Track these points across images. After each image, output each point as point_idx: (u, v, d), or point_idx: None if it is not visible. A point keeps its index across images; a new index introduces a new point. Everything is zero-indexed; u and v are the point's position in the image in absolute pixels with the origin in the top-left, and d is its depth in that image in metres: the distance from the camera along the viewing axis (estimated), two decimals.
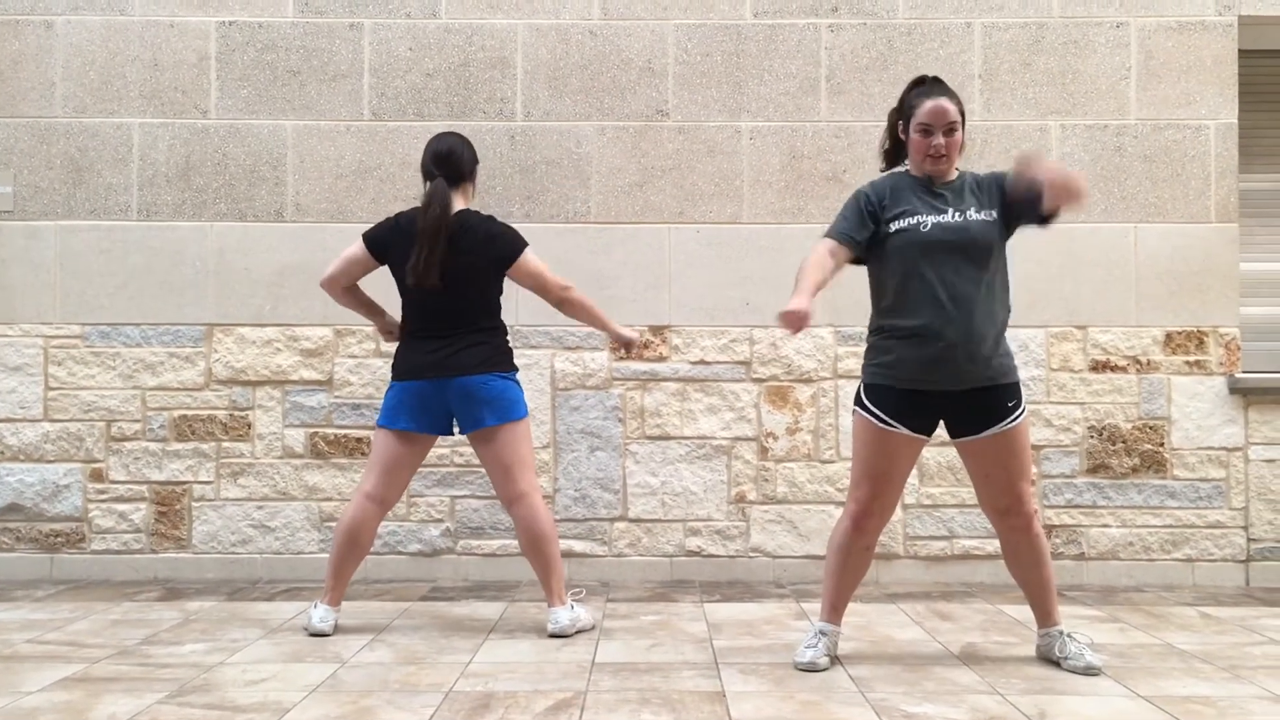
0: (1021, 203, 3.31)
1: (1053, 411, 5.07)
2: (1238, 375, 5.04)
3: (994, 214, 3.36)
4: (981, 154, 5.03)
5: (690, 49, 5.15)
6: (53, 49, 5.15)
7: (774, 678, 3.36)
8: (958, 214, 3.33)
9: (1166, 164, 5.10)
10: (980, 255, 3.32)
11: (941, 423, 3.44)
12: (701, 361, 5.11)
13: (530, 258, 3.95)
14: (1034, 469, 5.05)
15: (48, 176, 5.14)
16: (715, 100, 5.15)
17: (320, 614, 3.92)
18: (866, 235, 3.40)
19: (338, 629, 3.98)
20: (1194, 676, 3.40)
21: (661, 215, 5.14)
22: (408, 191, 5.06)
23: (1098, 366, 5.08)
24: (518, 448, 3.91)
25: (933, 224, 3.32)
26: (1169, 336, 5.07)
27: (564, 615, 3.91)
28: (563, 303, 3.98)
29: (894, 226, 3.36)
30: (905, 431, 3.37)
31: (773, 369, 5.10)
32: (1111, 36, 5.12)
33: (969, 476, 3.51)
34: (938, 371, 3.31)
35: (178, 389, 5.11)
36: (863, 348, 4.94)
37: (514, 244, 3.94)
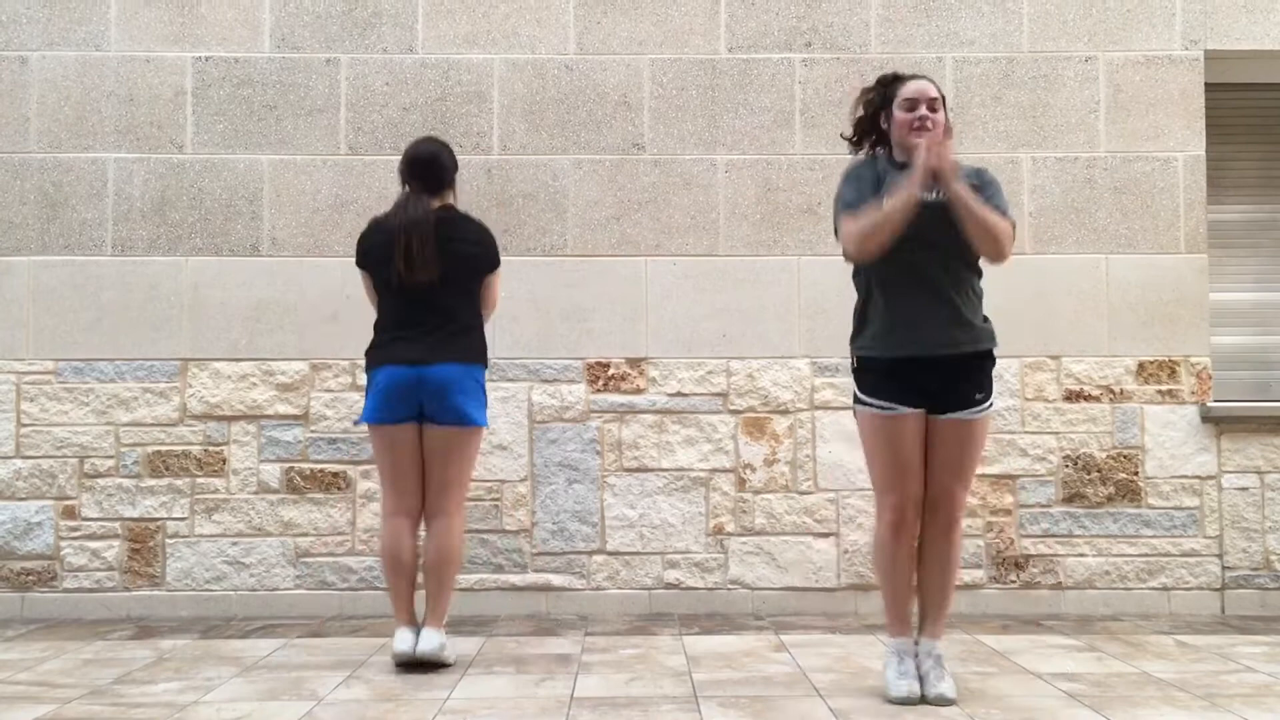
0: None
1: (1028, 441, 5.10)
2: (1210, 404, 5.08)
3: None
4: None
5: (666, 83, 5.19)
6: (27, 84, 5.14)
7: (754, 710, 3.35)
8: (938, 190, 3.37)
9: (1136, 196, 5.16)
10: (955, 235, 3.37)
11: None
12: (679, 393, 5.12)
13: (499, 274, 4.14)
14: (1010, 498, 5.07)
15: (21, 212, 5.11)
16: (691, 134, 5.19)
17: (398, 637, 3.87)
18: (874, 195, 3.43)
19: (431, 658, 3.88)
20: (1171, 705, 3.41)
21: (638, 248, 5.16)
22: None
23: (1071, 396, 5.11)
24: (464, 464, 3.99)
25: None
26: (1141, 366, 5.12)
27: (436, 638, 3.86)
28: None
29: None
30: (905, 410, 3.42)
31: (750, 400, 5.11)
32: (1080, 71, 5.20)
33: None
34: (921, 330, 3.38)
35: (151, 424, 5.07)
36: (838, 379, 5.00)
37: (497, 253, 4.11)
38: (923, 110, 3.41)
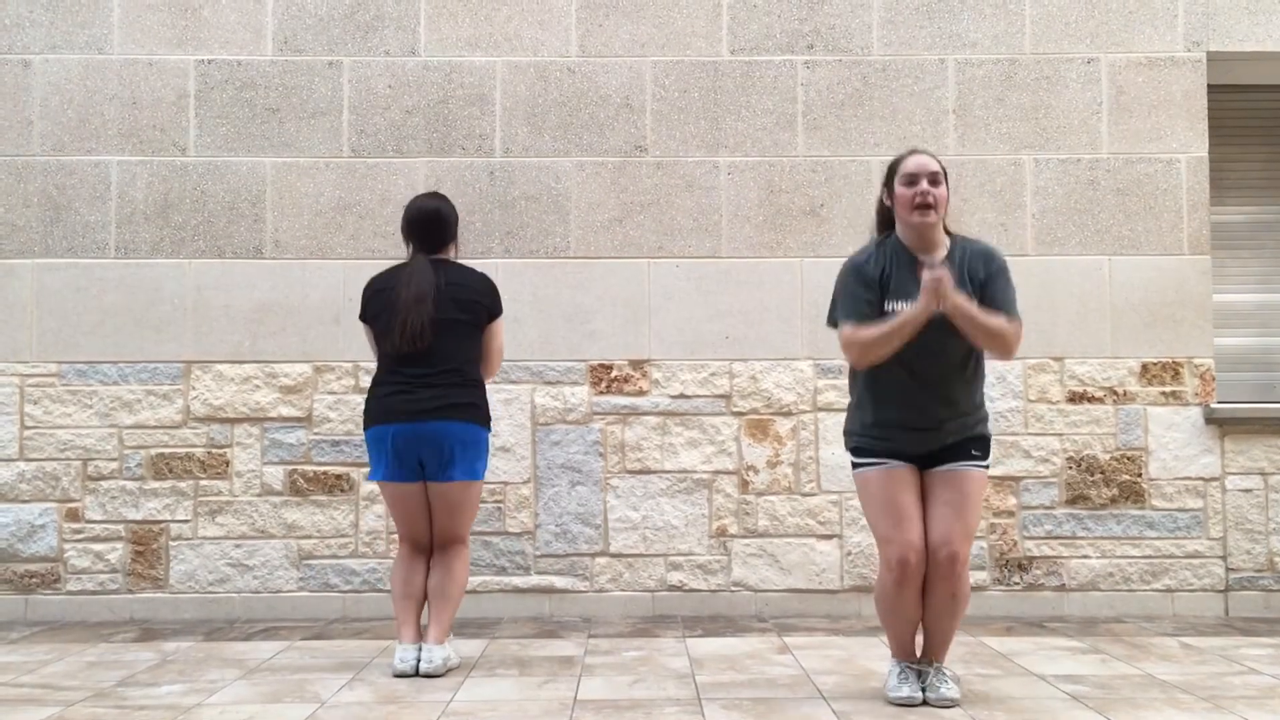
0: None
1: (1031, 443, 5.10)
2: (1213, 406, 5.08)
3: (966, 292, 3.36)
4: (956, 188, 5.08)
5: (668, 85, 5.19)
6: (30, 87, 5.15)
7: (757, 713, 3.34)
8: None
9: (1139, 197, 5.16)
10: (960, 345, 3.36)
11: None
12: (681, 395, 5.12)
13: (501, 321, 4.11)
14: (1013, 499, 5.07)
15: (24, 215, 5.12)
16: (693, 136, 5.19)
17: (400, 655, 3.87)
18: (876, 297, 3.41)
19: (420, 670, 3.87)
20: (1175, 707, 3.41)
21: (641, 250, 5.16)
22: (387, 228, 5.06)
23: (1075, 398, 5.11)
24: (471, 502, 4.01)
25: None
26: (1145, 367, 5.11)
27: (440, 654, 3.86)
28: (486, 376, 4.08)
29: (888, 308, 3.39)
30: (900, 464, 3.41)
31: (753, 402, 5.11)
32: (1083, 72, 5.20)
33: None
34: (917, 431, 3.40)
35: (155, 427, 5.08)
36: (841, 381, 5.00)
37: (499, 300, 4.08)
38: (924, 185, 3.36)
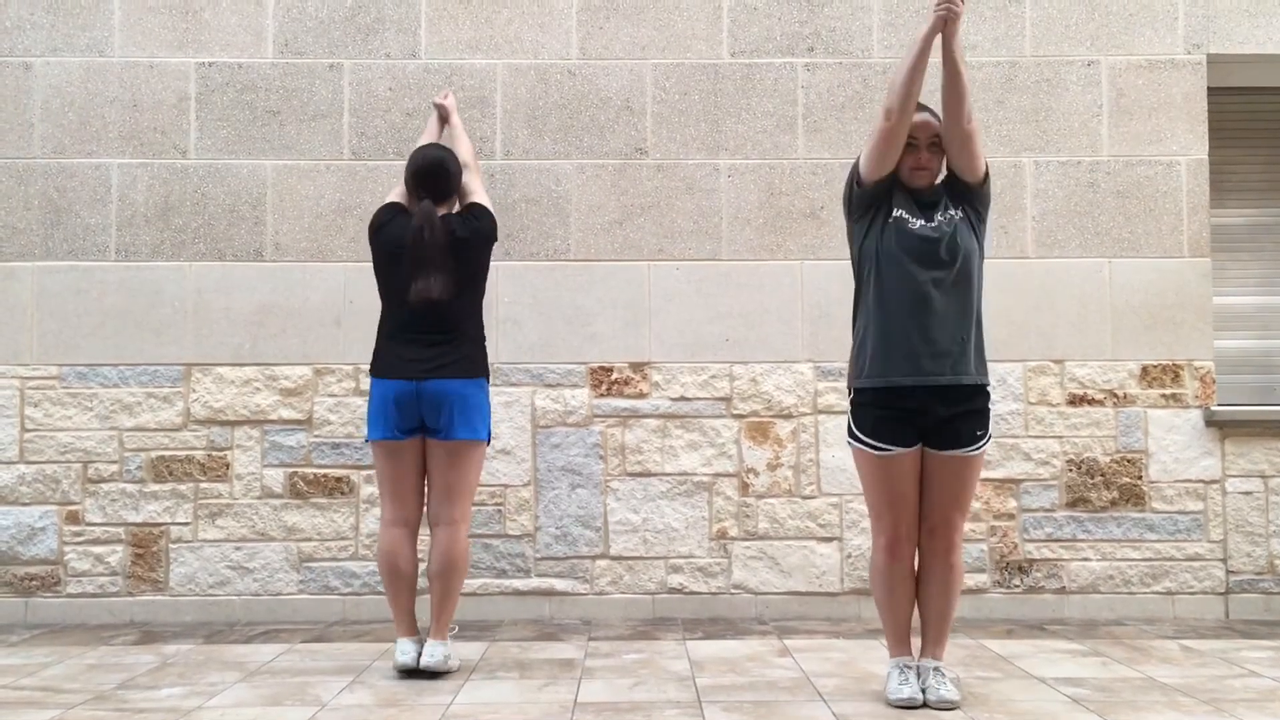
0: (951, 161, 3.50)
1: (1031, 445, 5.10)
2: (1213, 408, 5.08)
3: (960, 211, 3.48)
4: None
5: (668, 88, 5.20)
6: (31, 90, 5.16)
7: (757, 715, 3.34)
8: (942, 217, 3.45)
9: (1139, 199, 5.16)
10: (954, 255, 3.41)
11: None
12: (682, 398, 5.12)
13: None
14: (1013, 502, 5.07)
15: (25, 217, 5.12)
16: (694, 138, 5.19)
17: (400, 649, 3.86)
18: (888, 173, 3.48)
19: (419, 667, 3.87)
20: (1176, 710, 3.41)
21: (641, 252, 5.16)
22: None
23: (1075, 400, 5.11)
24: (469, 474, 3.97)
25: (920, 225, 3.43)
26: (1145, 370, 5.11)
27: (440, 650, 3.86)
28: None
29: (893, 215, 3.45)
30: (899, 450, 3.42)
31: (753, 405, 5.11)
32: (1083, 75, 5.20)
33: None
34: (919, 357, 3.39)
35: (155, 429, 5.08)
36: (841, 383, 5.00)
37: (493, 219, 4.09)
38: (923, 156, 3.48)
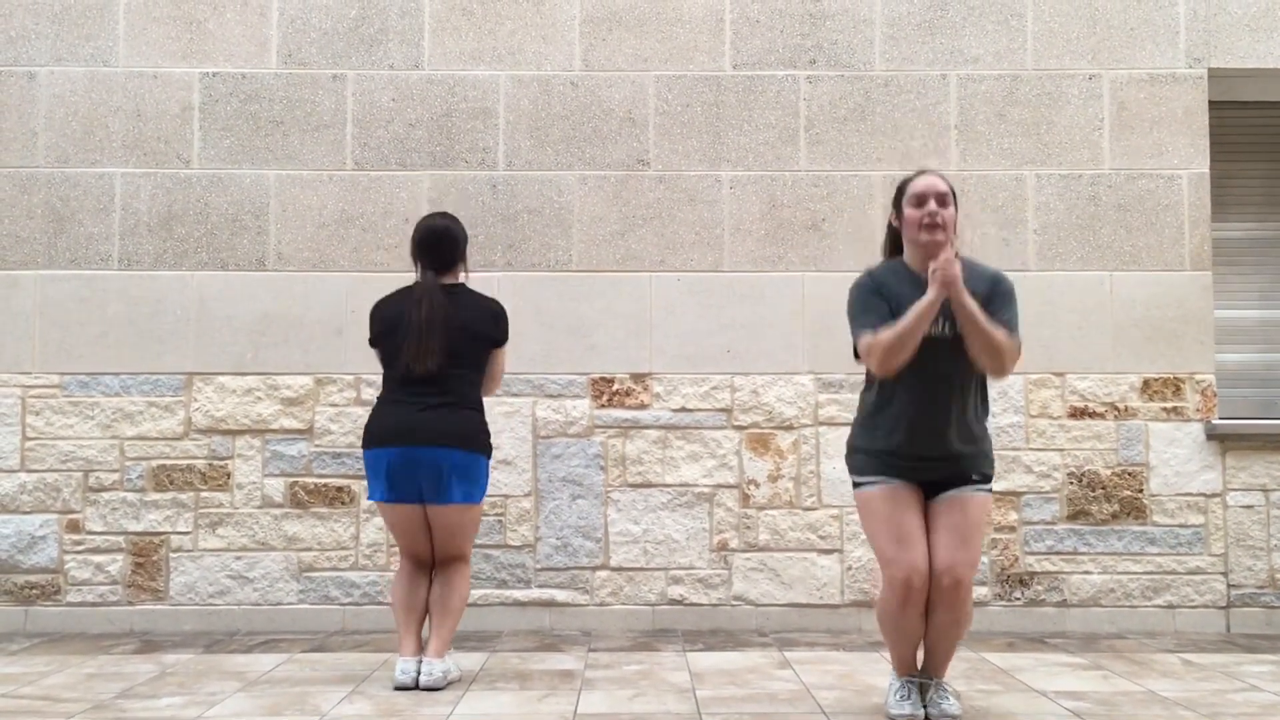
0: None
1: (1032, 458, 5.10)
2: (1215, 421, 5.08)
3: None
4: (959, 204, 5.08)
5: (670, 99, 5.21)
6: (35, 99, 5.17)
7: None
8: (946, 325, 3.31)
9: (1140, 213, 5.17)
10: (967, 369, 3.35)
11: None
12: (683, 409, 5.12)
13: (506, 348, 4.13)
14: (1015, 514, 5.06)
15: (28, 226, 5.13)
16: (695, 150, 5.20)
17: (400, 668, 3.85)
18: (886, 306, 3.38)
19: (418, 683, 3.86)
20: None
21: (643, 263, 5.17)
22: (389, 240, 5.08)
23: (1076, 413, 5.11)
24: (470, 523, 4.00)
25: (937, 330, 3.31)
26: (1146, 383, 5.11)
27: (439, 668, 3.85)
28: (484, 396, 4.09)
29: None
30: (901, 482, 3.38)
31: (754, 416, 5.11)
32: (1085, 88, 5.21)
33: None
34: (917, 473, 3.38)
35: (156, 438, 5.08)
36: (842, 395, 5.00)
37: (507, 328, 4.07)
38: (931, 205, 3.34)
